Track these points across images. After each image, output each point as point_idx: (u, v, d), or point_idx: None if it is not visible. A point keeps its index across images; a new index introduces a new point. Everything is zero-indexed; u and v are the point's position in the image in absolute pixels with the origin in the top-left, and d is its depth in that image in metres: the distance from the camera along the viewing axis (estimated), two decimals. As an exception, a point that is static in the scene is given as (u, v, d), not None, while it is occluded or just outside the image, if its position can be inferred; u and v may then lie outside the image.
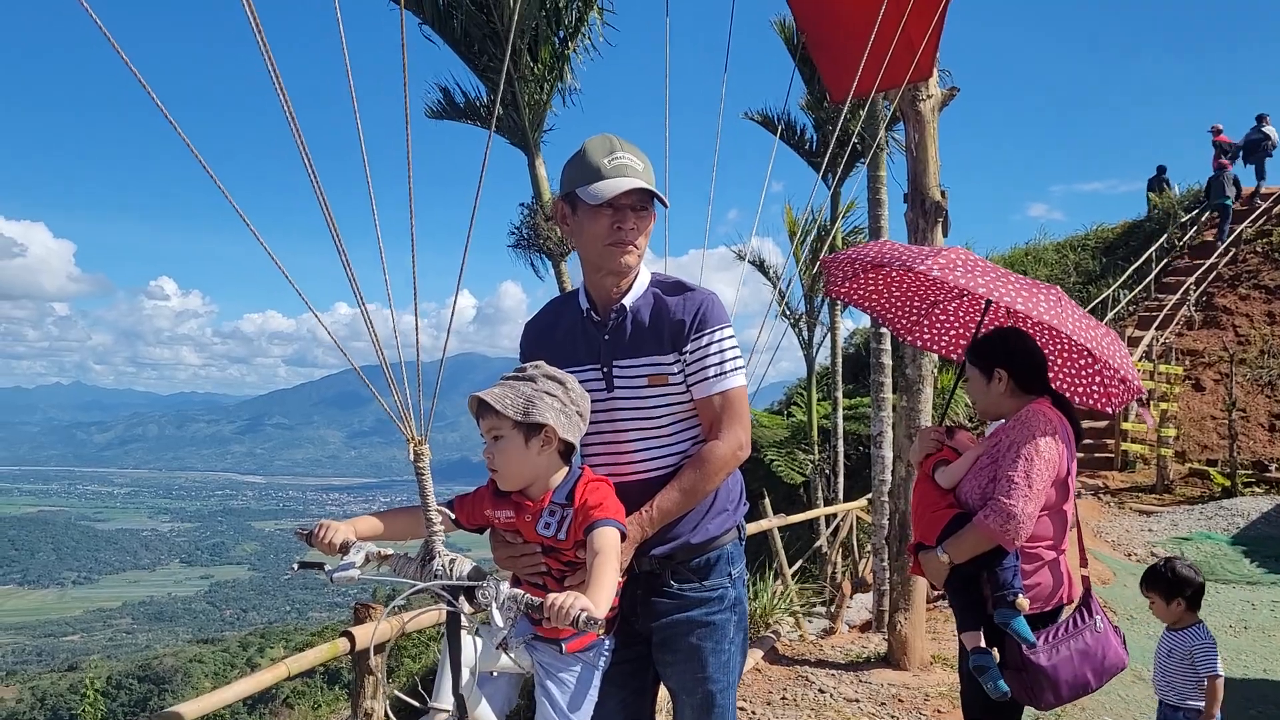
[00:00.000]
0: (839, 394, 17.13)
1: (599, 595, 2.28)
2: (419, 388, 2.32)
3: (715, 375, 2.70)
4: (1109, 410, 3.88)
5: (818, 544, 13.71)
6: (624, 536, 2.51)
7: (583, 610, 2.13)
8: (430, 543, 2.41)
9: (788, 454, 17.97)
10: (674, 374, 2.72)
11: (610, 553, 2.41)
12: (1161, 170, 25.95)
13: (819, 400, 18.28)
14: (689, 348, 2.70)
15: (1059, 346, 3.87)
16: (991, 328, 3.88)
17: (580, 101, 11.47)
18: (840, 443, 17.14)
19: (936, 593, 7.18)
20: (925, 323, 4.19)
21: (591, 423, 2.72)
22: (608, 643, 2.71)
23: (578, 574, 2.52)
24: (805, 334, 17.53)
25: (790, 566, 9.73)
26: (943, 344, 4.21)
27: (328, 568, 2.38)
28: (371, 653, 3.46)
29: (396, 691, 2.68)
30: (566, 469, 2.58)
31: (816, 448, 17.62)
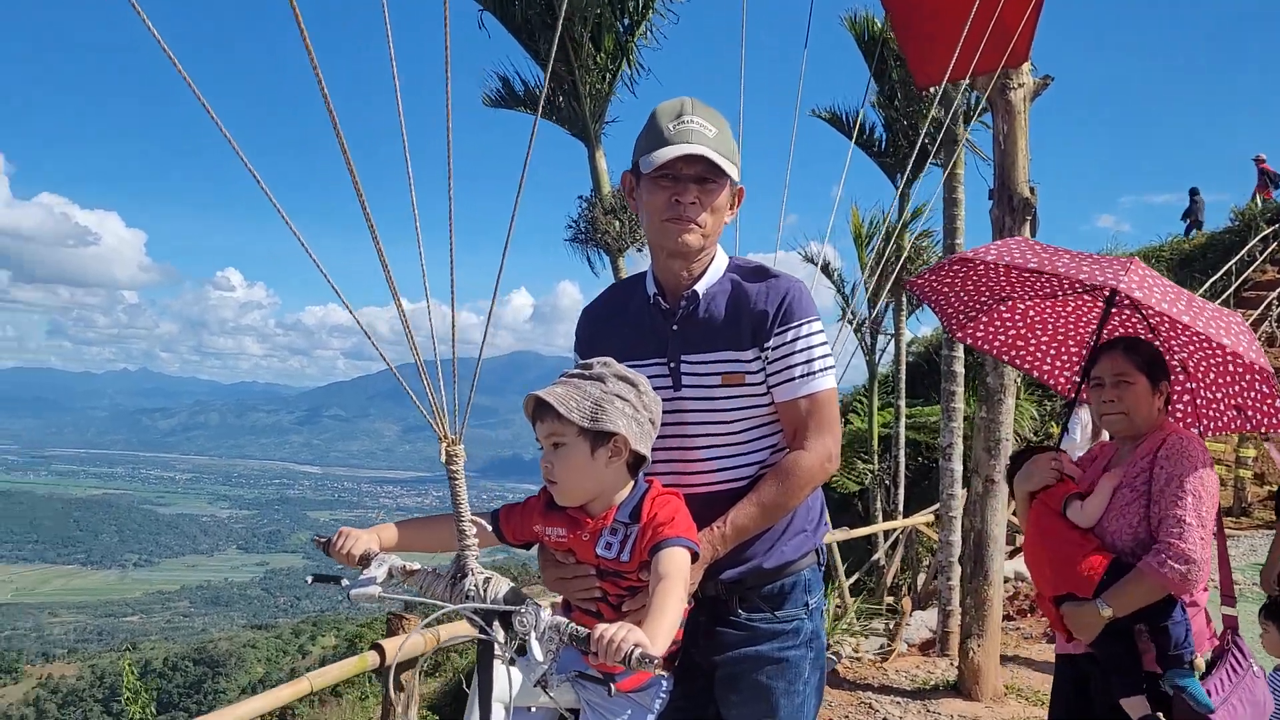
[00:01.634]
0: (901, 402, 16.63)
1: (658, 628, 1.92)
2: (454, 384, 2.00)
3: (802, 376, 2.35)
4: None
5: (875, 557, 13.28)
6: (695, 558, 2.17)
7: (637, 646, 1.79)
8: (463, 558, 2.08)
9: (845, 462, 17.53)
10: (752, 372, 2.37)
11: (677, 578, 2.06)
12: (1194, 193, 25.08)
13: (879, 408, 17.79)
14: (771, 343, 2.35)
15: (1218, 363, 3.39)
16: (1119, 334, 3.42)
17: (645, 91, 11.20)
18: (901, 452, 16.64)
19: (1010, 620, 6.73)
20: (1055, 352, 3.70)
21: None
22: (665, 683, 2.35)
23: (639, 597, 2.18)
24: (868, 339, 17.06)
25: (848, 580, 9.32)
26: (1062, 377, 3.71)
27: (345, 583, 2.07)
28: (393, 672, 3.16)
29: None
30: (633, 484, 2.24)
31: (876, 457, 17.14)
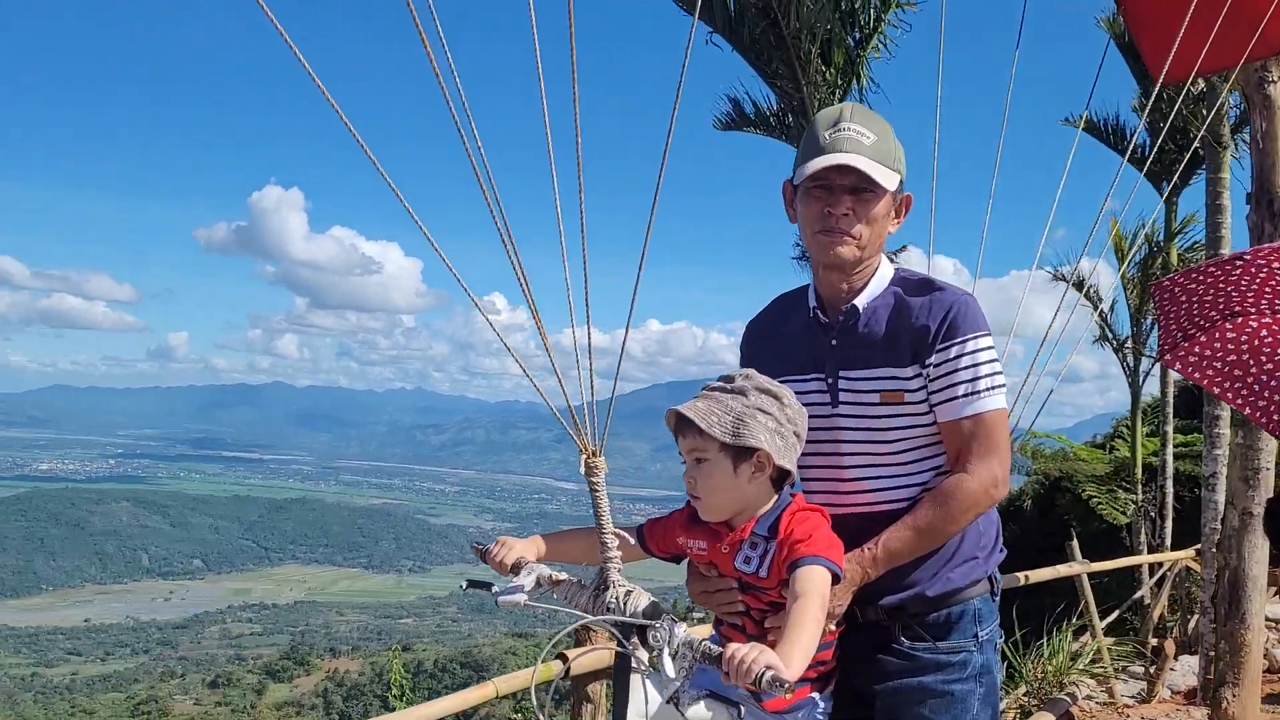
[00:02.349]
0: (1169, 428, 15.30)
1: (793, 650, 1.86)
2: (591, 394, 2.03)
3: (966, 395, 2.22)
4: None
5: (1139, 594, 12.29)
6: (837, 578, 2.08)
7: (769, 668, 1.74)
8: (605, 570, 2.10)
9: (1108, 491, 16.31)
10: (912, 390, 2.25)
11: (814, 597, 1.99)
12: None
13: (1146, 435, 16.44)
14: (933, 359, 2.23)
15: None
16: None
17: (876, 104, 10.92)
18: (1169, 483, 15.30)
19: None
20: None
21: (810, 441, 2.31)
22: (823, 704, 2.28)
23: (780, 615, 2.13)
24: (1131, 361, 15.83)
25: (1106, 618, 8.65)
26: None
27: (495, 589, 2.14)
28: (549, 690, 3.21)
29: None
30: (775, 498, 2.19)
31: (1140, 487, 15.85)
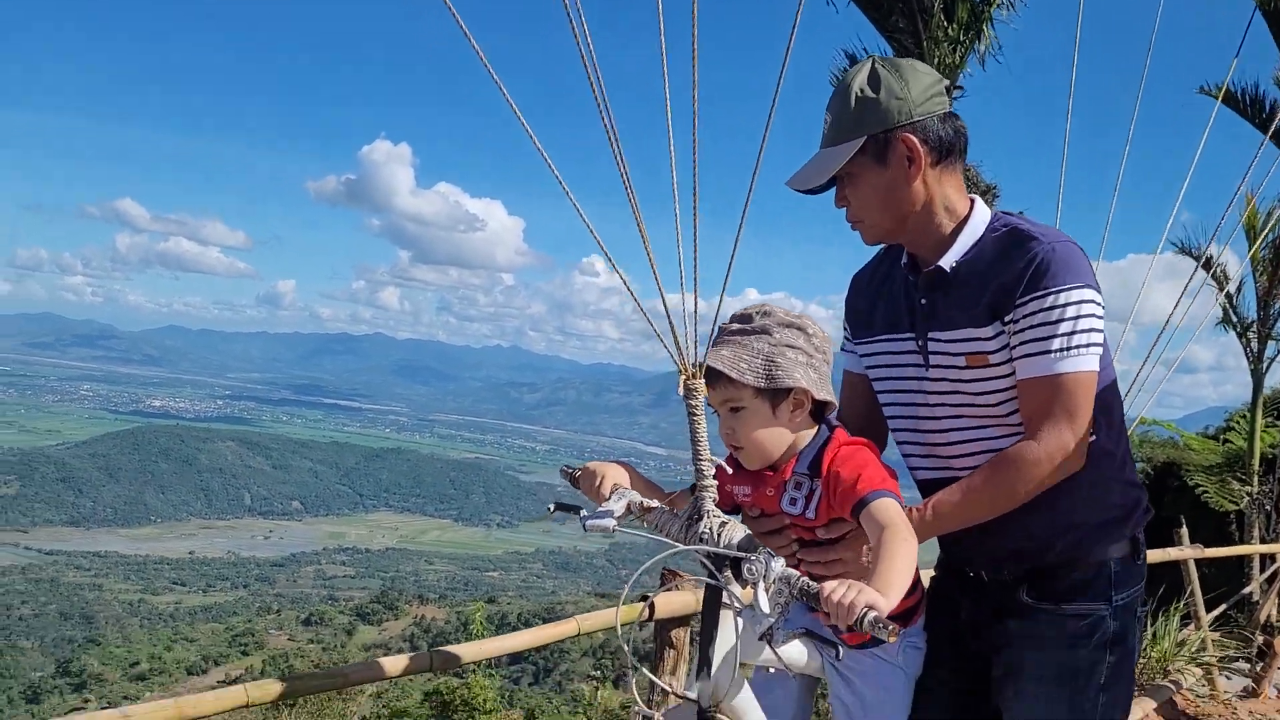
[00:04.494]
0: (1291, 418, 14.56)
1: (890, 579, 1.75)
2: (695, 312, 1.90)
3: (1040, 352, 1.98)
4: None
5: (1248, 590, 11.75)
6: None
7: (869, 608, 1.62)
8: (700, 500, 1.98)
9: (1219, 481, 15.62)
10: (993, 351, 2.04)
11: (898, 526, 1.86)
12: None
13: (1265, 425, 15.66)
14: (1014, 314, 2.00)
15: None
16: None
17: (994, 66, 10.44)
18: (1288, 475, 14.57)
19: None
20: None
21: (902, 404, 2.19)
22: (916, 638, 2.18)
23: (826, 549, 2.04)
24: (1255, 346, 15.05)
25: (1212, 610, 8.25)
26: None
27: (584, 513, 2.04)
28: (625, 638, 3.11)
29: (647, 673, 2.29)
30: (815, 431, 2.06)
31: (1256, 478, 15.13)
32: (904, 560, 1.80)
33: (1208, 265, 14.73)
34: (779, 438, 2.03)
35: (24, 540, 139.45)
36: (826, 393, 2.03)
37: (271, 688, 2.69)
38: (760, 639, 1.83)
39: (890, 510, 1.88)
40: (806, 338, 2.01)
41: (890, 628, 1.61)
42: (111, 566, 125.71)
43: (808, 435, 2.06)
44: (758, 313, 2.04)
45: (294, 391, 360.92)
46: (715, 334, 2.05)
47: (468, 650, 2.93)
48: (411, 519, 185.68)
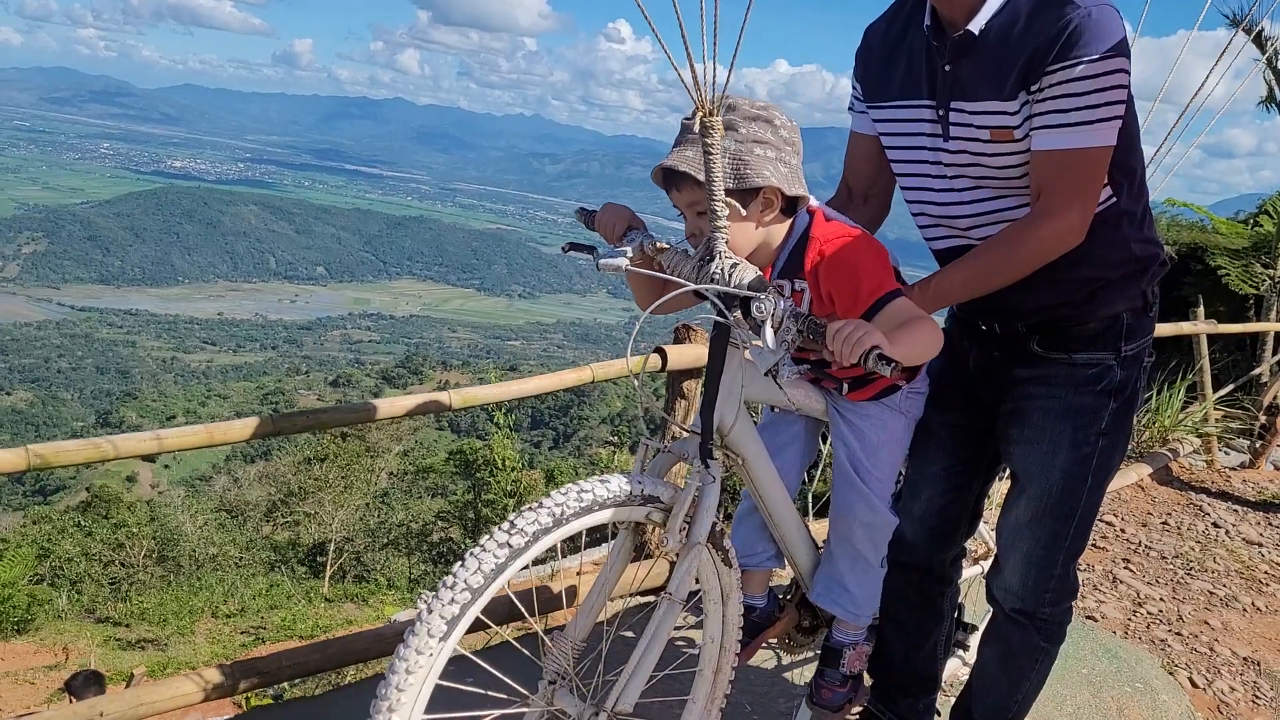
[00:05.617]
0: (1325, 204, 14.26)
1: (901, 339, 1.76)
2: (714, 49, 1.83)
3: (1059, 125, 1.88)
4: None
5: (1256, 371, 11.87)
6: None
7: (875, 347, 1.65)
8: (713, 241, 1.98)
9: (1243, 264, 15.48)
10: (1018, 125, 1.95)
11: (919, 317, 1.86)
12: None
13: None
14: (1039, 84, 1.89)
15: None
16: None
17: None
18: (1314, 262, 14.43)
19: None
20: None
21: (917, 174, 2.12)
22: (919, 384, 2.24)
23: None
24: (1298, 127, 14.57)
25: (1219, 390, 8.37)
26: None
27: (599, 252, 2.06)
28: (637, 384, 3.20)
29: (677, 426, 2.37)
30: (789, 226, 2.01)
31: (1281, 264, 14.98)
32: (923, 334, 1.81)
33: (1259, 41, 14.05)
34: (750, 237, 1.98)
35: (56, 296, 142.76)
36: (799, 186, 1.96)
37: (297, 419, 2.81)
38: (766, 375, 1.88)
39: (904, 311, 1.87)
40: (774, 130, 1.92)
41: (895, 366, 1.64)
42: (144, 325, 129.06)
43: (780, 231, 2.01)
44: (723, 107, 1.92)
45: (314, 156, 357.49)
46: (680, 131, 1.96)
47: (485, 392, 3.02)
48: (434, 287, 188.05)
